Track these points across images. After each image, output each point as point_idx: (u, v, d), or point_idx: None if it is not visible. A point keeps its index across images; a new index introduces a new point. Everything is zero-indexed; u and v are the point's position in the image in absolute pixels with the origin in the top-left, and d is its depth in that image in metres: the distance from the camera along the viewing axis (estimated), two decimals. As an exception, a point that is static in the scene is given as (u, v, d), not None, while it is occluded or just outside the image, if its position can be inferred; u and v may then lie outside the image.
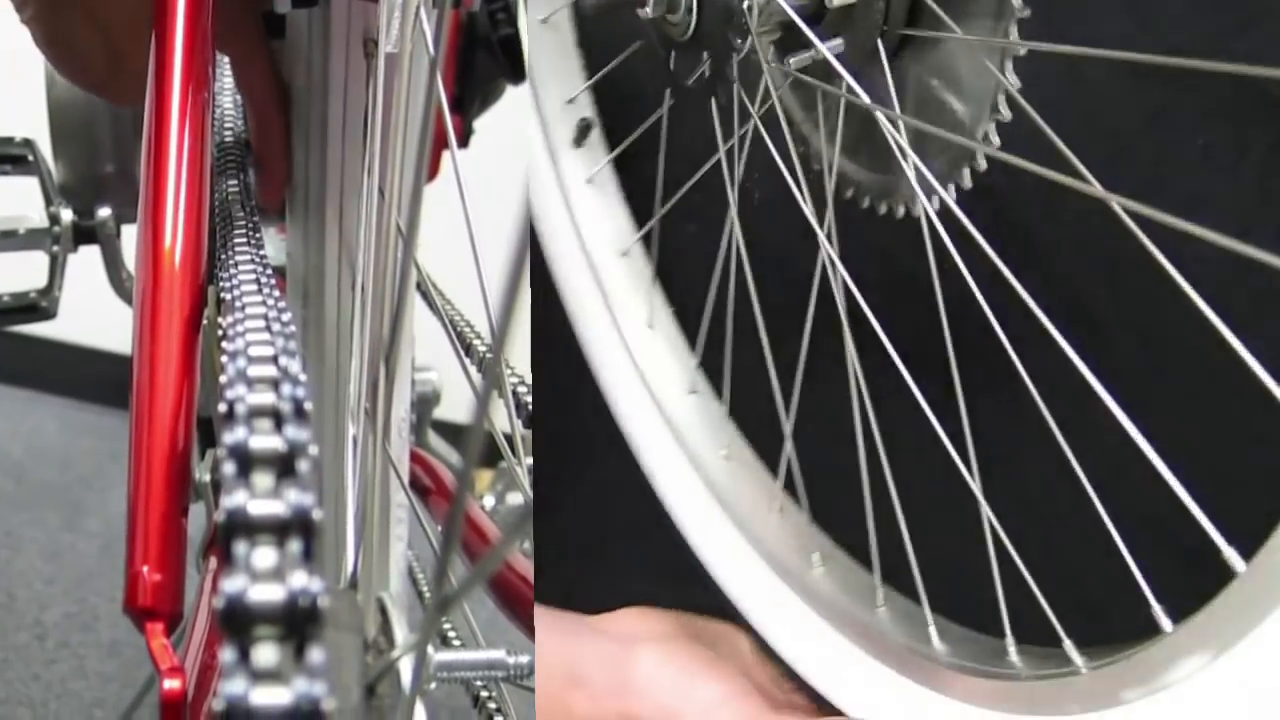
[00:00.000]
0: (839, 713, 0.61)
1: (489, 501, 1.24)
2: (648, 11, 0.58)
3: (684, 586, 0.70)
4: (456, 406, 1.30)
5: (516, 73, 1.01)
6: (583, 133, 0.74)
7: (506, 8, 0.99)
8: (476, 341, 0.72)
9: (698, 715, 0.59)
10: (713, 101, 0.61)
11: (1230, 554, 0.41)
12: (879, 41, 0.52)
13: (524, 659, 0.47)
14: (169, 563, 0.43)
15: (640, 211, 0.75)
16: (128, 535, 0.43)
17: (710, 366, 0.73)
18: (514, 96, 1.07)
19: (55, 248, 0.97)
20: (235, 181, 0.64)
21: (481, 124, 1.10)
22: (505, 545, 0.44)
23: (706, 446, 0.72)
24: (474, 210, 0.55)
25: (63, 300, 0.98)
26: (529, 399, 0.64)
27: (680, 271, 0.74)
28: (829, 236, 0.57)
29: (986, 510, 0.52)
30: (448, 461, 0.94)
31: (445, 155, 0.90)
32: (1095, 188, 0.44)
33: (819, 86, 0.56)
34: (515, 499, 1.20)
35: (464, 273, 0.56)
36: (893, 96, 0.53)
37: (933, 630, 0.58)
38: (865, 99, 0.51)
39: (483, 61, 1.03)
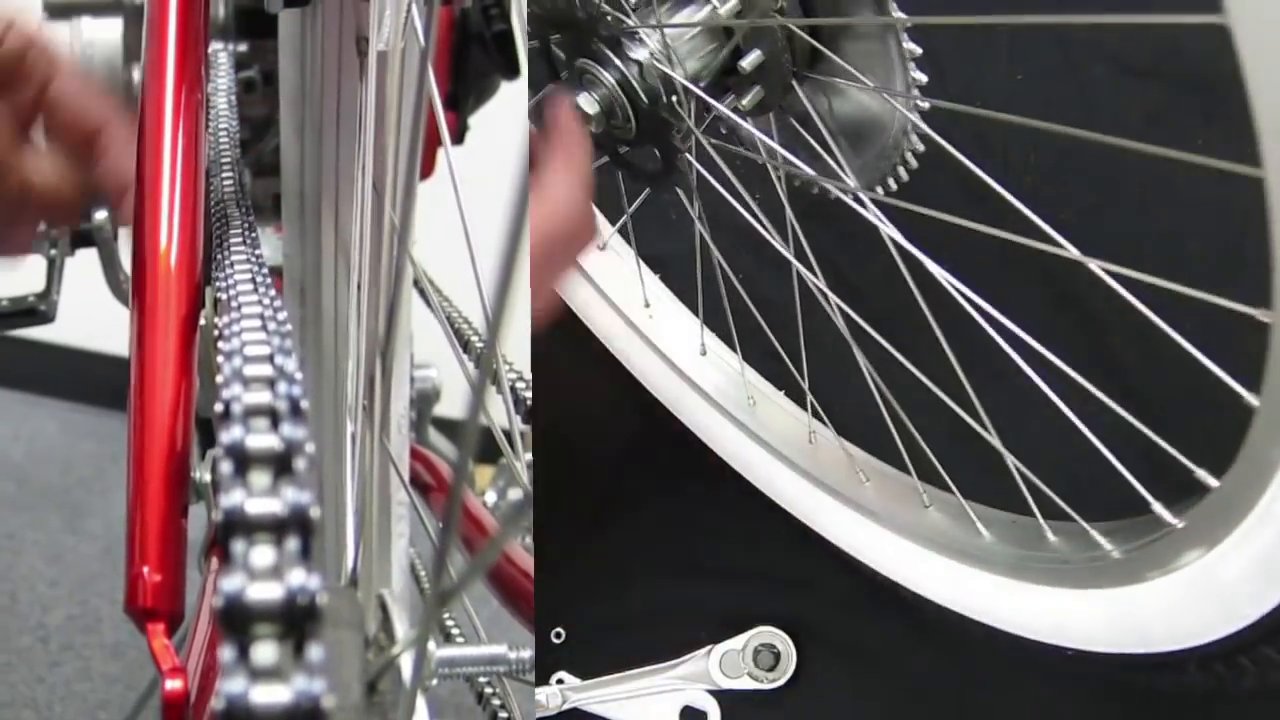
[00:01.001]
0: None
1: (490, 498, 1.24)
2: (592, 128, 0.61)
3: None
4: (457, 404, 1.30)
5: (511, 68, 1.01)
6: None
7: (500, 3, 0.99)
8: (474, 338, 0.72)
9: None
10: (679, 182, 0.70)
11: (1202, 474, 0.55)
12: (794, 82, 0.63)
13: (526, 654, 0.48)
14: (169, 563, 0.43)
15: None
16: (127, 536, 0.43)
17: (720, 330, 0.82)
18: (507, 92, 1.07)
19: (53, 251, 0.97)
20: (230, 181, 0.64)
21: (476, 120, 1.10)
22: (503, 535, 0.43)
23: (731, 398, 0.81)
24: (469, 207, 0.54)
25: (61, 304, 0.98)
26: (527, 394, 0.64)
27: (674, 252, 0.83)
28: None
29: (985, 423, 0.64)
30: (448, 458, 0.94)
31: (440, 152, 0.90)
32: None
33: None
34: (516, 495, 1.20)
35: (461, 270, 0.56)
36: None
37: (978, 523, 0.69)
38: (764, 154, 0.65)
39: (477, 58, 1.03)
